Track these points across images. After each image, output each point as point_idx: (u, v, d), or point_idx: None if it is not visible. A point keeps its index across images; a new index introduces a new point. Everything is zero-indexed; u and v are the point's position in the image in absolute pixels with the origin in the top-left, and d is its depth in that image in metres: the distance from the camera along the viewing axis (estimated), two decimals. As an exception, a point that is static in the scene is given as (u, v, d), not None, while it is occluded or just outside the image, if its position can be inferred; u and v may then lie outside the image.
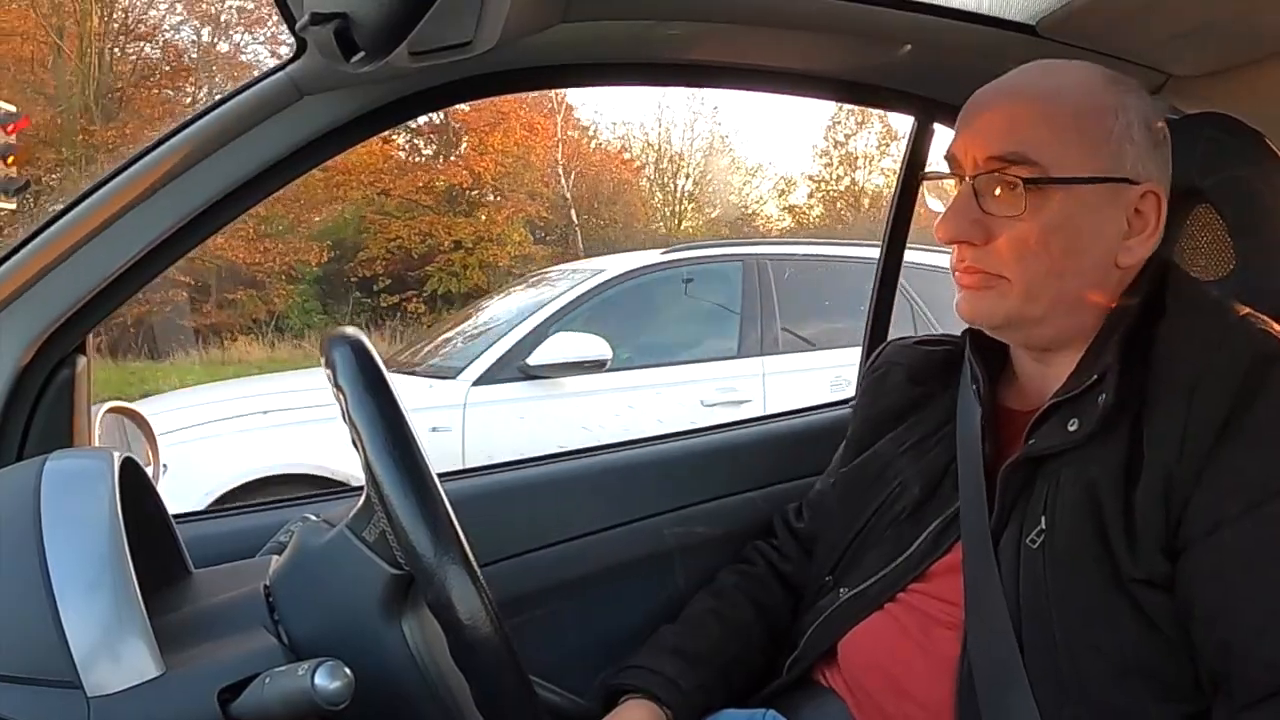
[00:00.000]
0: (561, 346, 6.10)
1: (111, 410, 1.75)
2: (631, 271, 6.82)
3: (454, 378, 6.06)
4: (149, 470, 1.31)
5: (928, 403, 1.61)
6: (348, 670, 1.00)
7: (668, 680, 1.58)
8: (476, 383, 5.99)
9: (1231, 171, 1.54)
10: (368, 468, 1.06)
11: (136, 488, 1.20)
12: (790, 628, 1.65)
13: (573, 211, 24.59)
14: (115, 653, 1.00)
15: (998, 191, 1.35)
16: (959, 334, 1.59)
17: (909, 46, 1.84)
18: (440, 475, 1.12)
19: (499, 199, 23.83)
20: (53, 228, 1.53)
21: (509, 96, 24.11)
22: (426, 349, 7.15)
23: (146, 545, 1.15)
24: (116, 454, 1.16)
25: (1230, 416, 1.23)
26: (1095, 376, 1.33)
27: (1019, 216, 1.33)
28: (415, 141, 25.05)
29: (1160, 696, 1.25)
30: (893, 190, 2.39)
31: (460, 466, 2.07)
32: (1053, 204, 1.33)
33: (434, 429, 5.61)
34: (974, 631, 1.36)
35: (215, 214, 1.61)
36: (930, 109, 2.12)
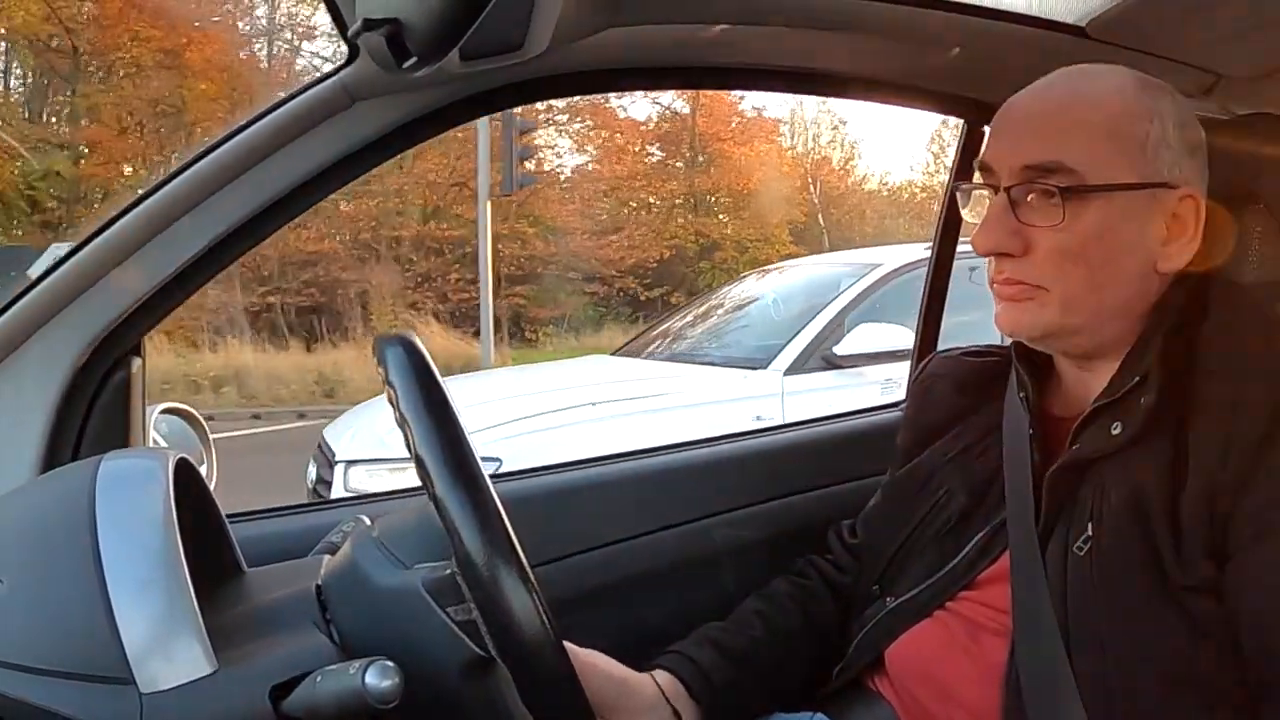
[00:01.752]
0: (868, 337, 6.15)
1: (166, 411, 1.77)
2: (904, 266, 6.73)
3: (764, 368, 6.13)
4: (203, 470, 1.32)
5: (973, 413, 1.60)
6: (398, 670, 1.01)
7: (700, 671, 1.57)
8: (787, 372, 6.07)
9: None
10: (459, 546, 1.05)
11: (191, 487, 1.21)
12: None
13: (820, 215, 28.20)
14: (168, 650, 1.01)
15: (1034, 201, 1.33)
16: (1004, 344, 1.59)
17: (958, 49, 1.83)
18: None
19: (763, 205, 26.87)
20: (111, 230, 1.55)
21: (745, 111, 27.66)
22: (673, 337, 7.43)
23: (200, 544, 1.15)
24: (171, 454, 1.17)
25: (1273, 425, 1.22)
26: (1137, 379, 1.32)
27: (1058, 226, 1.32)
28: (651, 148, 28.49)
29: (1210, 704, 1.24)
30: (943, 196, 2.38)
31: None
32: (1091, 212, 1.31)
33: (758, 418, 5.57)
34: (1022, 639, 1.36)
35: (269, 218, 1.62)
36: (980, 111, 2.11)
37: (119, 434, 1.60)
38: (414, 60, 1.28)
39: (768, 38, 1.76)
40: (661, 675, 1.56)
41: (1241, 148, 1.50)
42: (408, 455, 1.08)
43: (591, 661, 1.49)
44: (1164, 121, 1.34)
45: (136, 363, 1.63)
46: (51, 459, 1.54)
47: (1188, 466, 1.26)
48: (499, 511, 1.07)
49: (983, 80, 1.98)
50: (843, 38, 1.79)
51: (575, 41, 1.54)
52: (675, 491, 2.01)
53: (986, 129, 2.13)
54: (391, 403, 1.10)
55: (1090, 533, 1.32)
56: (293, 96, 1.59)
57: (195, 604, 1.03)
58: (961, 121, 2.22)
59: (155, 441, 1.69)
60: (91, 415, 1.58)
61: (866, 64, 1.94)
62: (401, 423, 1.09)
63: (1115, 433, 1.32)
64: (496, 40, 1.37)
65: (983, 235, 1.37)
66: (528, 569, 1.06)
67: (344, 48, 1.51)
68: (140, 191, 1.58)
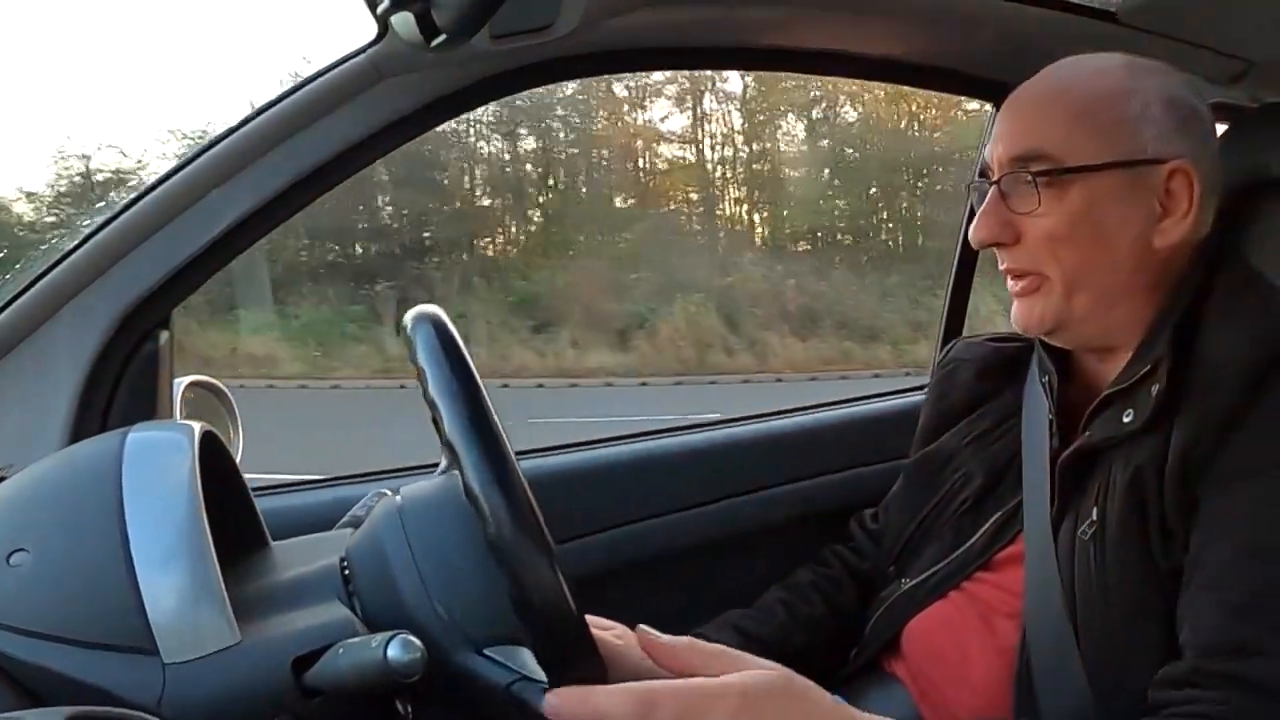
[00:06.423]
0: None
1: (193, 384, 1.77)
2: None
3: None
4: (229, 443, 1.32)
5: (994, 398, 1.62)
6: (420, 645, 1.00)
7: None
8: None
9: None
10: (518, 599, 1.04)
11: (217, 460, 1.22)
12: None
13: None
14: (192, 621, 1.01)
15: (1020, 190, 1.36)
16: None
17: (990, 32, 1.83)
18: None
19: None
20: (139, 204, 1.56)
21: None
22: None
23: (225, 516, 1.15)
24: (198, 426, 1.17)
25: (1248, 391, 1.22)
26: (1148, 367, 1.32)
27: (1039, 212, 1.34)
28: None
29: None
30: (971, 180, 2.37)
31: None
32: (1072, 194, 1.33)
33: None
34: (1032, 621, 1.38)
35: (296, 194, 1.63)
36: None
37: (147, 406, 1.61)
38: (443, 38, 1.28)
39: (798, 19, 1.76)
40: None
41: (1266, 135, 1.50)
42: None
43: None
44: (1145, 97, 1.35)
45: (165, 336, 1.64)
46: (79, 430, 1.55)
47: (1170, 445, 1.27)
48: (556, 563, 1.05)
49: (1013, 65, 1.96)
50: (874, 19, 1.79)
51: (604, 20, 1.54)
52: (706, 470, 2.01)
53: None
54: (432, 412, 1.08)
55: (1094, 518, 1.33)
56: (322, 73, 1.60)
57: (219, 575, 1.03)
58: (990, 106, 2.20)
59: (182, 414, 1.70)
60: (119, 387, 1.59)
61: (898, 46, 1.94)
62: (443, 447, 1.07)
63: (1127, 420, 1.32)
64: (526, 19, 1.38)
65: (978, 228, 1.40)
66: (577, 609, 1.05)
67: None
68: (171, 166, 1.59)
